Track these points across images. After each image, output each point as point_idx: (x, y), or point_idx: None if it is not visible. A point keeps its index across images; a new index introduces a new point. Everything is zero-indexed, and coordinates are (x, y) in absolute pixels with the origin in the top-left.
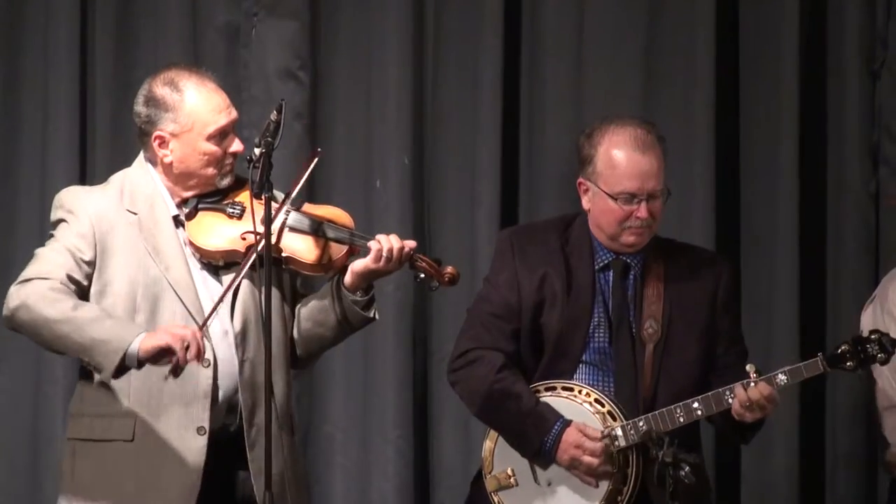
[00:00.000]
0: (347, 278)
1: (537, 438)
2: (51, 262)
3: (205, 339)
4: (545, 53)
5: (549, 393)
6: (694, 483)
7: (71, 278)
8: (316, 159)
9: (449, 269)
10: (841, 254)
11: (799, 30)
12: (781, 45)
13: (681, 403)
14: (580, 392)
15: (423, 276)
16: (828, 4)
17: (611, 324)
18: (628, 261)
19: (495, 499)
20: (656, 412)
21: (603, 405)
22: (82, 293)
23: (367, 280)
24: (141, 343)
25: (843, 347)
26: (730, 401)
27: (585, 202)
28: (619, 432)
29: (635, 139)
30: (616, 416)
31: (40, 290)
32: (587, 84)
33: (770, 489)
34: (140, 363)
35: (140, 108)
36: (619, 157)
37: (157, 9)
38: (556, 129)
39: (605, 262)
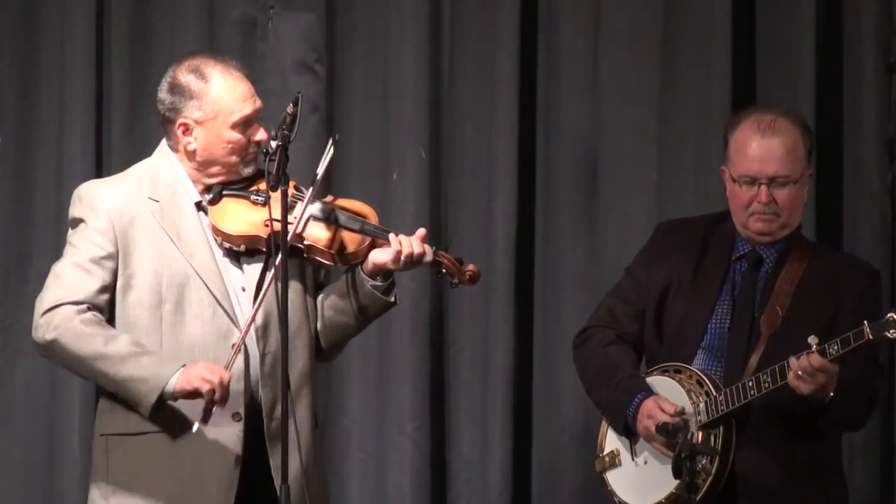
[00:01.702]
0: (367, 266)
1: (622, 412)
2: (72, 286)
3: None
4: (561, 47)
5: (659, 374)
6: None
7: (97, 292)
8: (331, 143)
9: (470, 267)
10: (857, 248)
11: (815, 23)
12: (797, 40)
13: (753, 376)
14: (685, 373)
15: (444, 272)
16: None
17: (734, 311)
18: (762, 253)
19: (603, 479)
20: (733, 386)
21: (703, 385)
22: (110, 300)
23: (386, 272)
24: (176, 383)
25: (889, 316)
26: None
27: (728, 188)
28: (703, 408)
29: (759, 123)
30: (711, 394)
31: (72, 325)
32: (603, 79)
33: None
34: (176, 398)
35: (164, 95)
36: (743, 140)
37: (174, 2)
38: (572, 123)
39: (742, 252)
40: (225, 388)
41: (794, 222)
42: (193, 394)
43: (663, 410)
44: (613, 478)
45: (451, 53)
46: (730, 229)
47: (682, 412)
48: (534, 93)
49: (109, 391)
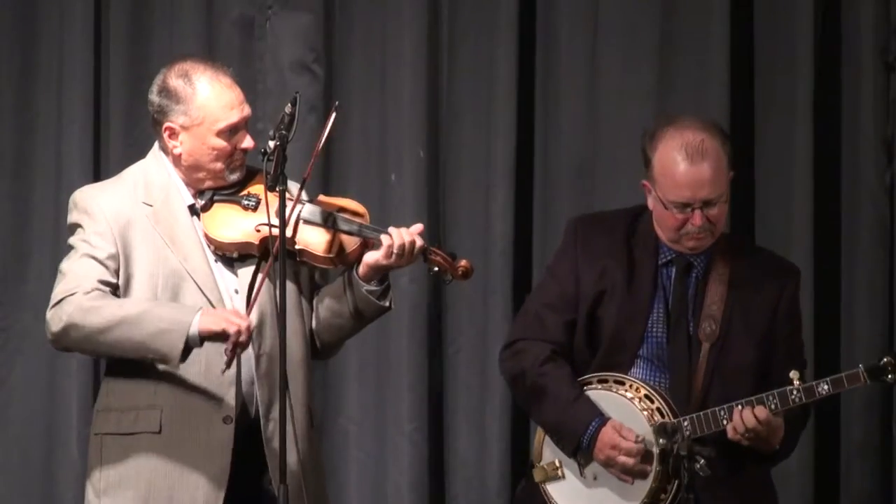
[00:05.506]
0: (361, 269)
1: (575, 437)
2: (77, 276)
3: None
4: (559, 47)
5: (599, 385)
6: (710, 475)
7: (102, 282)
8: (334, 114)
9: (463, 262)
10: (855, 247)
11: (813, 22)
12: (796, 39)
13: (709, 410)
14: (631, 387)
15: (436, 269)
16: None
17: (669, 320)
18: (691, 259)
19: (543, 490)
20: (700, 413)
21: (652, 401)
22: (115, 291)
23: (380, 273)
24: (200, 323)
25: (885, 360)
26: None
27: (649, 202)
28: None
29: (687, 146)
30: (665, 412)
31: (80, 304)
32: (601, 78)
33: (785, 481)
34: (202, 341)
35: (154, 97)
36: (672, 165)
37: (172, 1)
38: (570, 122)
39: (669, 258)
40: (250, 332)
41: (722, 229)
42: (219, 335)
43: (625, 438)
44: (556, 490)
45: (450, 53)
46: (650, 231)
47: (641, 440)
48: (532, 92)
49: (131, 358)
